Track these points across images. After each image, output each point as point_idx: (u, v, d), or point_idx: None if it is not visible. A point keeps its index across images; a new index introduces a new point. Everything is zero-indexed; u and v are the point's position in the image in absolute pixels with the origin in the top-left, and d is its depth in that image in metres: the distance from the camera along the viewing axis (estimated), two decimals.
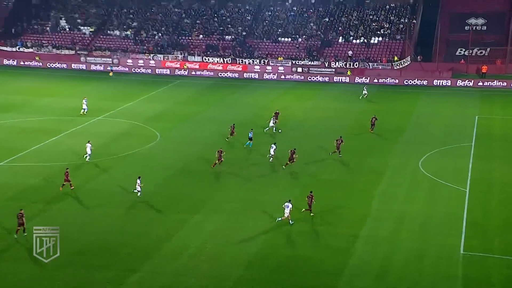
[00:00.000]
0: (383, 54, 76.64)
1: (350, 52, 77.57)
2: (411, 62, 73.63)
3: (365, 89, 62.87)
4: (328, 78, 73.63)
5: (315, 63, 76.63)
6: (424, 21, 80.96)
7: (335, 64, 75.55)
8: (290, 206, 32.22)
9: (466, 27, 76.98)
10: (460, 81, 68.42)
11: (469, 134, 48.46)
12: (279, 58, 78.51)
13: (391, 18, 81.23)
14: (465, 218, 32.58)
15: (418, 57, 75.52)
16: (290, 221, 32.30)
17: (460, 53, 75.77)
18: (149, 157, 44.24)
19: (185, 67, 79.04)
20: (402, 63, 73.38)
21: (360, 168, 41.45)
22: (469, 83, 67.84)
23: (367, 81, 71.12)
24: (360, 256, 29.08)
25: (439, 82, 68.95)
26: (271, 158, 42.25)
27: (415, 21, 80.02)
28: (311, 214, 33.29)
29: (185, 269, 28.08)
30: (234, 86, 71.16)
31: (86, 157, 42.64)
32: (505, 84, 66.57)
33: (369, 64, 74.61)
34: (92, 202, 35.80)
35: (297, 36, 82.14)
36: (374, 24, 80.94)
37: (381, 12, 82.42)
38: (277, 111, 51.39)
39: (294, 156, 40.63)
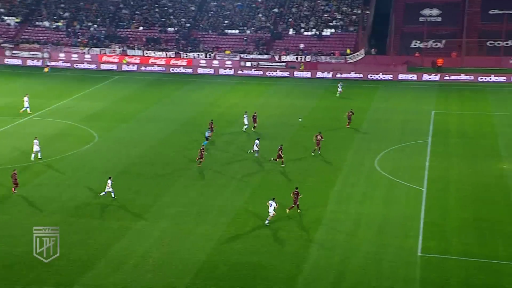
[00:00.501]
0: (336, 47, 77.92)
1: (301, 45, 78.47)
2: (365, 55, 75.17)
3: (339, 86, 63.25)
4: (279, 72, 74.23)
5: (265, 57, 77.10)
6: (377, 12, 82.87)
7: (286, 58, 76.24)
8: (274, 204, 32.85)
9: (420, 19, 79.25)
10: (416, 74, 70.27)
11: (426, 131, 49.89)
12: (227, 52, 78.59)
13: (343, 9, 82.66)
14: (422, 219, 33.57)
15: (372, 49, 77.19)
16: (267, 221, 32.96)
17: (415, 45, 77.90)
18: (86, 159, 43.48)
19: (124, 61, 77.98)
20: (356, 56, 74.82)
21: (314, 167, 42.04)
22: (424, 77, 69.78)
23: (329, 75, 72.05)
24: (316, 261, 29.51)
25: (395, 76, 70.59)
26: (257, 154, 43.05)
27: (368, 12, 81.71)
28: (298, 211, 34.13)
29: (128, 280, 27.77)
30: (178, 82, 70.74)
31: (35, 155, 42.33)
32: (461, 78, 68.84)
33: (321, 58, 75.70)
34: (22, 211, 34.88)
35: (245, 28, 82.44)
36: (326, 15, 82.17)
37: (333, 3, 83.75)
38: (255, 112, 50.91)
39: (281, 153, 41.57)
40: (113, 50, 79.53)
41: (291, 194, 34.28)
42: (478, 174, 40.25)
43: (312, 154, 43.85)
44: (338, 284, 27.58)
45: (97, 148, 46.16)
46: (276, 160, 41.81)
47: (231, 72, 75.28)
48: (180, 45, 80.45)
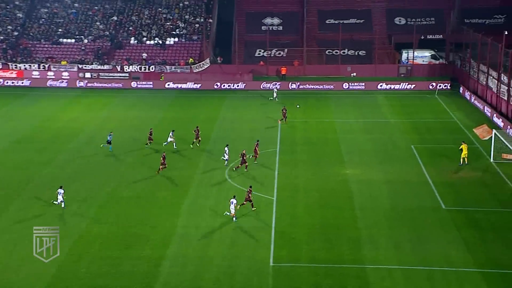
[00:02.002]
0: (181, 56, 78.47)
1: (144, 55, 77.98)
2: (210, 64, 76.52)
3: (275, 91, 65.75)
4: (122, 83, 73.03)
5: (106, 67, 75.48)
6: (220, 20, 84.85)
7: (128, 68, 75.25)
8: (235, 201, 35.45)
9: (263, 27, 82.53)
10: (262, 83, 72.73)
11: (274, 139, 51.86)
12: (63, 62, 75.70)
13: (186, 17, 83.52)
14: (273, 228, 34.88)
15: (218, 58, 78.85)
16: (234, 218, 35.50)
17: (259, 54, 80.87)
18: None
19: None
20: (201, 65, 75.90)
21: (163, 182, 41.94)
22: (270, 86, 72.48)
23: (175, 86, 72.14)
24: (167, 279, 29.44)
25: (241, 85, 72.53)
26: (226, 162, 44.71)
27: (211, 21, 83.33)
28: (253, 209, 36.79)
29: None
30: (8, 96, 66.95)
31: None
32: (304, 86, 72.54)
33: (166, 67, 75.76)
34: None
35: (82, 37, 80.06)
36: (168, 23, 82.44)
37: (175, 11, 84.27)
38: (198, 126, 50.26)
39: (245, 158, 43.47)
40: None
41: (246, 193, 36.93)
42: (324, 180, 42.66)
43: (255, 162, 45.27)
44: None
45: None
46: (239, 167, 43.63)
47: (69, 84, 72.67)
48: (8, 56, 75.98)
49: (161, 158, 42.81)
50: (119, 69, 75.17)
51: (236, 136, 53.14)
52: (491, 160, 45.63)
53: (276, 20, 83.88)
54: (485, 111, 59.81)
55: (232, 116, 60.21)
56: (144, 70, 75.35)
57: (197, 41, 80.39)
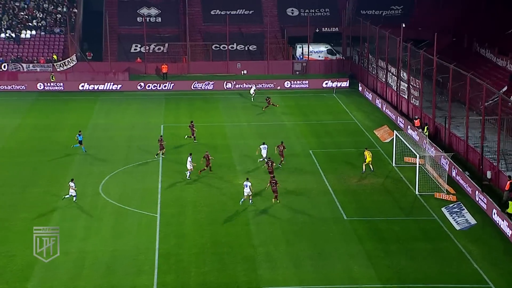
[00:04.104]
0: (40, 52, 76.29)
1: None
2: (77, 62, 74.87)
3: (253, 90, 66.78)
4: None
5: None
6: (87, 10, 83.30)
7: None
8: (249, 184, 39.36)
9: (138, 18, 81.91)
10: (139, 84, 71.98)
11: (156, 147, 51.49)
12: None
13: (44, 6, 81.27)
14: (157, 250, 34.65)
15: (87, 55, 77.33)
16: (250, 200, 39.80)
17: (135, 49, 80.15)
18: None
19: None
20: (66, 63, 74.16)
21: (21, 203, 40.76)
22: (149, 86, 71.97)
23: (34, 88, 69.96)
24: None
25: (116, 85, 71.43)
26: (261, 159, 47.21)
27: (76, 10, 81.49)
28: (277, 201, 40.35)
29: None
30: None
31: None
32: (188, 85, 72.56)
33: (22, 66, 73.38)
34: None
35: None
36: (22, 13, 79.90)
37: None
38: (192, 121, 53.84)
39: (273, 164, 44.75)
40: None
41: (269, 184, 40.68)
42: (214, 192, 42.96)
43: (280, 166, 46.75)
44: None
45: None
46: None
47: None
48: None
49: (206, 158, 45.20)
50: None
51: (112, 145, 52.37)
52: (393, 164, 47.94)
53: (153, 11, 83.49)
54: (385, 110, 62.77)
55: (105, 123, 59.22)
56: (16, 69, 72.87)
57: (60, 35, 78.35)
